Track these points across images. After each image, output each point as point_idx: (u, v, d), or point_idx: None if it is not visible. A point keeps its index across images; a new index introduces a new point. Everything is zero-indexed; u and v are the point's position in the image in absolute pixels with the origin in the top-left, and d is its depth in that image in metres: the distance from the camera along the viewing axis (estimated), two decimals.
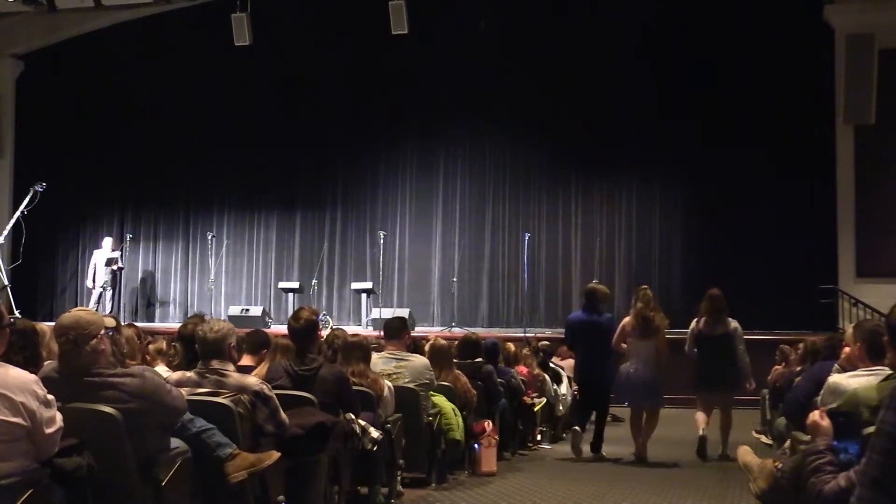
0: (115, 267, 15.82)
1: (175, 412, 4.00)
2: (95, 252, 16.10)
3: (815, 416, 3.24)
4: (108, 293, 15.77)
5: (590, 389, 8.62)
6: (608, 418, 9.43)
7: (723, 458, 8.03)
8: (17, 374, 3.36)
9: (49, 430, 3.37)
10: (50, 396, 3.42)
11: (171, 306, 17.70)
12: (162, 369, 5.43)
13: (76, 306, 15.00)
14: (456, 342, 8.28)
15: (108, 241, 16.13)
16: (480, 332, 12.89)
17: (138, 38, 16.43)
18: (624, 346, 8.31)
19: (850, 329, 5.48)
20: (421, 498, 6.25)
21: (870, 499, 2.27)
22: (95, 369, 3.77)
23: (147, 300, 17.71)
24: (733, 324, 8.42)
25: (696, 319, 8.53)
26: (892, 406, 2.29)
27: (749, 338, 8.83)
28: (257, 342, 5.98)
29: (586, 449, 8.33)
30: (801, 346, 8.32)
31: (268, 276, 17.45)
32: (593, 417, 8.86)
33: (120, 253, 16.24)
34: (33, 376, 3.42)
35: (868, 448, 2.35)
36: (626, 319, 8.27)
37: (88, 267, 16.08)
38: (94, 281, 15.73)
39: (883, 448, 2.27)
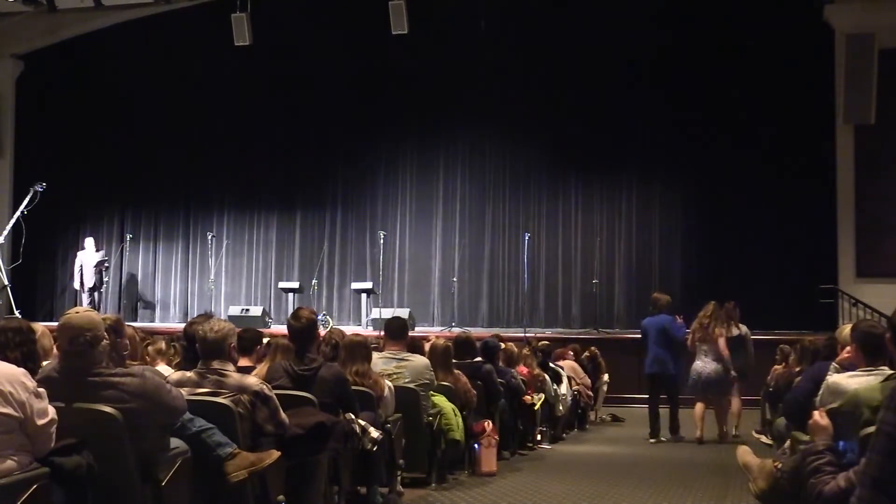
0: (102, 267, 15.82)
1: (175, 412, 3.99)
2: (80, 254, 15.97)
3: (815, 416, 3.24)
4: (97, 294, 15.72)
5: (659, 379, 9.99)
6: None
7: (735, 437, 9.57)
8: (3, 367, 3.37)
9: (41, 422, 3.37)
10: (40, 389, 3.43)
11: (171, 306, 17.71)
12: (163, 368, 5.43)
13: (76, 306, 15.01)
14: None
15: (90, 242, 16.02)
16: (480, 332, 12.90)
17: (138, 38, 16.42)
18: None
19: (845, 329, 5.48)
20: (421, 498, 6.25)
21: (870, 499, 2.27)
22: (96, 369, 3.77)
23: (136, 300, 17.65)
24: (744, 328, 10.10)
25: None
26: (891, 406, 2.29)
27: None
28: (249, 341, 5.95)
29: (662, 433, 9.93)
30: (797, 346, 8.50)
31: (268, 276, 17.45)
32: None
33: (103, 251, 16.19)
34: (21, 369, 3.44)
35: (868, 448, 2.35)
36: (694, 325, 9.84)
37: (74, 269, 15.93)
38: (82, 283, 15.67)
39: (883, 448, 2.27)
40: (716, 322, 9.71)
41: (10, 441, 3.29)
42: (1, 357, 3.62)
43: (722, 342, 9.62)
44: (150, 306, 17.76)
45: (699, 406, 9.77)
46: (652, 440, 9.76)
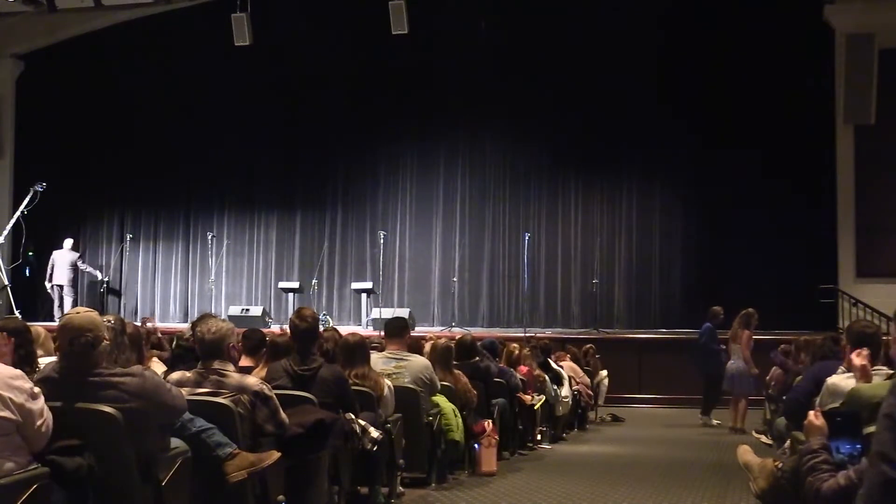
0: (81, 267, 15.91)
1: (175, 412, 3.99)
2: (55, 253, 15.82)
3: (809, 416, 3.24)
4: (71, 294, 15.67)
5: (705, 376, 11.60)
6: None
7: (739, 430, 10.75)
8: (1, 370, 3.37)
9: (38, 422, 3.38)
10: (36, 389, 3.43)
11: (171, 306, 17.71)
12: (158, 367, 5.44)
13: (61, 306, 15.02)
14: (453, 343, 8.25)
15: (68, 242, 15.93)
16: (480, 332, 12.92)
17: (138, 38, 16.43)
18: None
19: None
20: (421, 498, 6.25)
21: (885, 473, 2.23)
22: (97, 369, 3.77)
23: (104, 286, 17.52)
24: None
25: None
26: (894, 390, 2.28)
27: None
28: (255, 342, 5.96)
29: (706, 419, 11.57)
30: (794, 345, 8.55)
31: (268, 276, 17.45)
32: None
33: (81, 252, 16.14)
34: (18, 371, 3.43)
35: (875, 432, 2.33)
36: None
37: (48, 267, 15.75)
38: (51, 280, 15.55)
39: (889, 426, 2.24)
40: (738, 325, 10.90)
41: (7, 443, 3.30)
42: None
43: (744, 342, 10.70)
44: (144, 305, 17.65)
45: (734, 399, 11.11)
46: (704, 424, 11.41)
